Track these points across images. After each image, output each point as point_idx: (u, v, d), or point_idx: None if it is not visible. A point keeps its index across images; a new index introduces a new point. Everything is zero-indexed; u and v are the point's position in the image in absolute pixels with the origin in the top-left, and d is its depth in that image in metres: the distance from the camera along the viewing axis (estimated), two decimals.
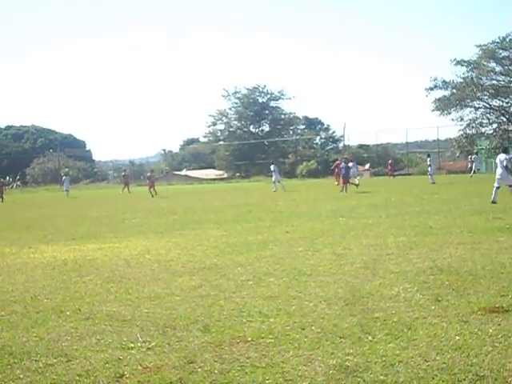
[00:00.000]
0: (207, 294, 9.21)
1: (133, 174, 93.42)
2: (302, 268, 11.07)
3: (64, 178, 57.35)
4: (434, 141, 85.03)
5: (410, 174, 69.90)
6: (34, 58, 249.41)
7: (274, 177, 39.70)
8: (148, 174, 53.85)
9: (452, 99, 73.82)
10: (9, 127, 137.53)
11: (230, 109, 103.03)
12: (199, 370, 5.85)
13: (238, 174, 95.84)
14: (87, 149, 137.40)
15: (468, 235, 14.41)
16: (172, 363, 6.07)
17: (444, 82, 74.63)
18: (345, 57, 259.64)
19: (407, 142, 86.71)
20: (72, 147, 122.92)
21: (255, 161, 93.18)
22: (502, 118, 75.80)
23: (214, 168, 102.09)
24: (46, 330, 7.56)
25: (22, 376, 5.91)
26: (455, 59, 74.07)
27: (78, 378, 5.78)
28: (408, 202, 26.41)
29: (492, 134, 75.58)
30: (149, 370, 5.89)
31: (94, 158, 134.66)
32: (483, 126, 75.96)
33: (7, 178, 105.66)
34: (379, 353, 6.08)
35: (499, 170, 24.31)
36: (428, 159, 46.67)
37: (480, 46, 72.96)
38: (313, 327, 7.14)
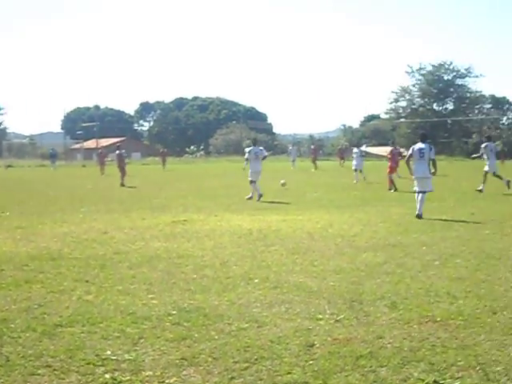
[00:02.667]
0: (393, 272, 9.17)
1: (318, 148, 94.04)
2: (491, 251, 10.76)
3: (291, 148, 58.21)
4: None
5: None
6: (220, 31, 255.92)
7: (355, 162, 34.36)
8: (312, 147, 54.50)
9: None
10: (195, 98, 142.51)
11: (414, 86, 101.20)
12: (388, 345, 5.86)
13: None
14: (268, 122, 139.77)
15: None
16: (361, 337, 6.12)
17: None
18: None
19: None
20: (254, 120, 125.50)
21: (437, 139, 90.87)
22: None
23: (392, 145, 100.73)
24: (237, 296, 7.83)
25: (216, 337, 6.17)
26: None
27: (270, 343, 5.96)
28: None
29: None
30: (338, 342, 5.96)
31: (274, 130, 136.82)
32: None
33: (191, 147, 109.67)
34: None
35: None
36: None
37: None
38: (504, 312, 6.95)
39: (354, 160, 32.76)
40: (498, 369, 5.24)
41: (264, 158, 23.97)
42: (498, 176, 24.53)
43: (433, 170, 16.71)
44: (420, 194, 16.48)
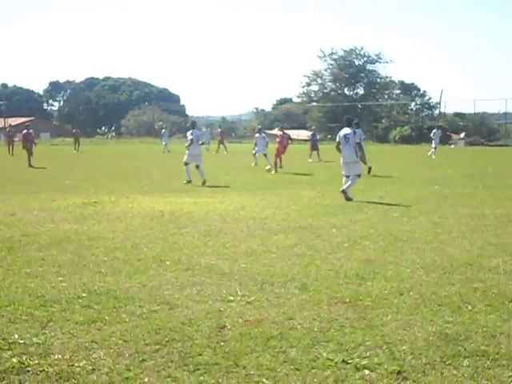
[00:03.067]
0: (303, 254, 9.30)
1: (225, 130, 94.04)
2: (398, 234, 11.02)
3: (163, 130, 57.12)
4: None
5: (506, 145, 67.89)
6: (134, 10, 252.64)
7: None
8: (219, 130, 54.56)
9: None
10: (107, 78, 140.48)
11: (326, 70, 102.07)
12: (299, 326, 5.95)
13: (329, 136, 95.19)
14: (181, 103, 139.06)
15: None
16: (272, 318, 6.18)
17: None
18: (446, 20, 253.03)
19: (506, 113, 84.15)
20: (167, 101, 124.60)
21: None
22: None
23: (305, 129, 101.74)
24: (148, 278, 7.79)
25: (127, 320, 6.14)
26: None
27: (181, 325, 5.96)
28: (506, 174, 25.81)
29: None
30: (249, 323, 6.02)
31: (187, 112, 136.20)
32: None
33: (102, 128, 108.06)
34: (480, 323, 6.04)
35: None
36: None
37: None
38: (411, 293, 7.14)
39: (257, 145, 32.27)
40: (404, 348, 5.39)
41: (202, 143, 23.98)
42: None
43: (359, 153, 16.94)
44: (345, 178, 16.81)
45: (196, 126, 23.90)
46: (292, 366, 5.00)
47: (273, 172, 26.61)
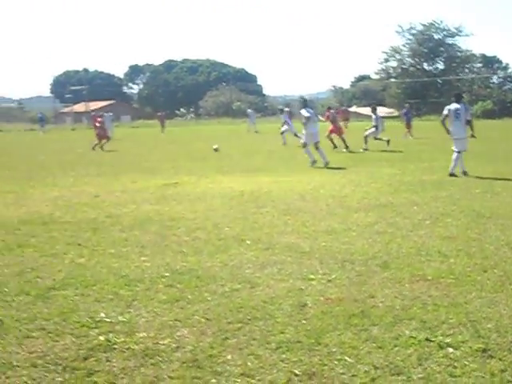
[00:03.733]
0: (384, 231, 9.22)
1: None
2: (481, 210, 10.81)
3: (249, 111, 56.43)
4: None
5: None
6: None
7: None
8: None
9: None
10: (185, 60, 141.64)
11: (404, 45, 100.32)
12: (380, 304, 5.91)
13: (415, 113, 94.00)
14: (258, 83, 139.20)
15: None
16: (353, 296, 6.16)
17: None
18: None
19: None
20: (244, 81, 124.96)
21: (427, 99, 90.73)
22: None
23: (384, 106, 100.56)
24: (229, 257, 7.86)
25: (209, 298, 6.20)
26: None
27: (262, 303, 5.99)
28: None
29: None
30: (331, 302, 6.01)
31: (264, 92, 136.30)
32: None
33: (181, 109, 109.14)
34: None
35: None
36: None
37: None
38: (495, 270, 7.00)
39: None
40: (489, 326, 5.29)
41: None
42: None
43: (471, 132, 16.86)
44: (456, 154, 16.53)
45: (308, 104, 22.48)
46: (374, 344, 4.97)
47: (344, 150, 26.65)
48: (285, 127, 32.14)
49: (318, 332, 5.23)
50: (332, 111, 30.89)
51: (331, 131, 28.53)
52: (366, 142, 27.32)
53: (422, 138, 35.25)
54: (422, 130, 41.12)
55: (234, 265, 7.49)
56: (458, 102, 16.85)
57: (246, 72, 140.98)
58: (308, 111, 20.53)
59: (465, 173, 16.18)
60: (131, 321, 5.61)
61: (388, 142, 27.35)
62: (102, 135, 31.87)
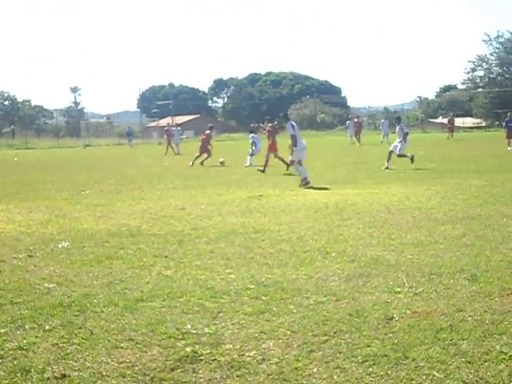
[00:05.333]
0: (472, 244, 9.03)
1: (389, 120, 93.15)
2: None
3: (383, 121, 54.91)
4: None
5: None
6: (293, 6, 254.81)
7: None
8: (355, 120, 52.07)
9: None
10: (268, 74, 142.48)
11: (491, 54, 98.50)
12: (469, 318, 5.79)
13: (497, 123, 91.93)
14: (342, 95, 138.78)
15: None
16: (441, 310, 6.06)
17: None
18: None
19: None
20: (328, 93, 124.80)
21: None
22: None
23: (471, 116, 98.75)
24: (314, 269, 7.84)
25: (295, 311, 6.20)
26: None
27: (348, 316, 5.95)
28: None
29: None
30: (418, 315, 5.92)
31: (348, 104, 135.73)
32: None
33: (265, 123, 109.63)
34: None
35: None
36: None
37: None
38: None
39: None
40: None
41: None
42: None
43: None
44: None
45: (290, 118, 21.58)
46: (463, 359, 4.87)
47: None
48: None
49: (404, 346, 5.16)
50: (269, 125, 27.53)
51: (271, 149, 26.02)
52: (388, 159, 24.47)
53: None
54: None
55: (319, 277, 7.47)
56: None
57: (330, 84, 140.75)
58: (293, 126, 19.56)
59: None
60: (217, 332, 5.65)
61: (412, 158, 24.23)
62: (204, 150, 31.13)
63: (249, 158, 29.11)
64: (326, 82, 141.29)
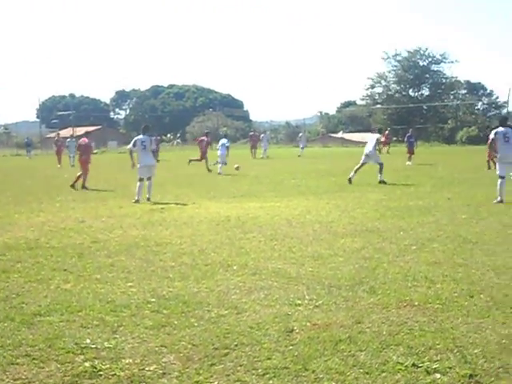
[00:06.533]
0: (371, 257, 9.23)
1: (289, 134, 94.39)
2: (467, 236, 10.85)
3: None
4: None
5: None
6: (197, 18, 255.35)
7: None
8: (250, 133, 52.32)
9: None
10: (171, 86, 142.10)
11: (390, 72, 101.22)
12: (367, 330, 5.90)
13: (395, 139, 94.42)
14: (245, 109, 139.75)
15: None
16: (340, 322, 6.15)
17: None
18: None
19: None
20: (230, 107, 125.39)
21: (413, 125, 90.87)
22: None
23: (370, 131, 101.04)
24: (216, 283, 7.84)
25: (196, 324, 6.18)
26: None
27: (249, 329, 5.97)
28: None
29: None
30: (317, 327, 6.00)
31: (250, 118, 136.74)
32: None
33: (168, 135, 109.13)
34: None
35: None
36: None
37: None
38: (481, 295, 7.02)
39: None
40: (476, 351, 5.29)
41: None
42: None
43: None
44: (502, 179, 16.10)
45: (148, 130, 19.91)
46: (361, 370, 4.96)
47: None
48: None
49: (304, 358, 5.21)
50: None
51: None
52: (380, 171, 23.17)
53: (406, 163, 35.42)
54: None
55: (220, 290, 7.47)
56: (504, 125, 16.77)
57: (233, 97, 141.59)
58: (141, 141, 18.59)
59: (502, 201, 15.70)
60: (117, 347, 5.57)
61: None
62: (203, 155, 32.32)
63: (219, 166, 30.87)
64: (229, 95, 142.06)
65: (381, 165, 22.85)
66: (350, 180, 22.50)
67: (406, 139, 39.17)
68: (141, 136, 18.79)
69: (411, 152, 36.99)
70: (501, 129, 16.59)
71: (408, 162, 35.63)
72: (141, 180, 18.26)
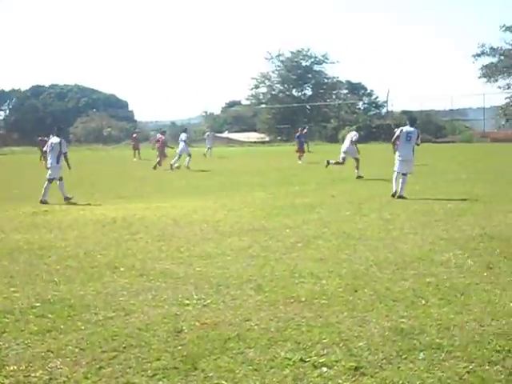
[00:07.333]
0: (258, 255, 9.32)
1: (174, 135, 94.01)
2: (351, 232, 11.11)
3: (208, 134, 53.65)
4: (479, 108, 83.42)
5: (453, 142, 68.60)
6: (78, 15, 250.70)
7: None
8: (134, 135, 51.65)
9: (499, 66, 73.03)
10: (53, 86, 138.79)
11: (273, 72, 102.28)
12: (256, 327, 5.97)
13: (279, 138, 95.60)
14: (130, 109, 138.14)
15: None
16: (228, 320, 6.19)
17: (492, 48, 73.85)
18: (389, 22, 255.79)
19: (451, 109, 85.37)
20: (114, 107, 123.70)
21: (297, 124, 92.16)
22: None
23: (255, 131, 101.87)
24: (103, 285, 7.74)
25: (83, 327, 6.08)
26: (504, 25, 73.11)
27: (137, 331, 5.93)
28: (453, 170, 26.19)
29: None
30: (206, 326, 6.01)
31: (135, 118, 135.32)
32: None
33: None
34: (433, 316, 6.14)
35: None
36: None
37: None
38: (365, 290, 7.21)
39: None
40: (360, 344, 5.44)
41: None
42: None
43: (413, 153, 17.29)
44: (400, 175, 16.86)
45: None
46: (250, 367, 5.01)
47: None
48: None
49: (194, 357, 5.22)
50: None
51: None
52: (357, 167, 24.68)
53: (292, 162, 35.90)
54: (293, 155, 41.87)
55: (107, 292, 7.38)
56: (412, 125, 17.37)
57: (117, 98, 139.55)
58: (51, 144, 19.20)
59: (400, 196, 16.39)
60: (1, 353, 5.41)
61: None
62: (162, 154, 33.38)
63: (186, 159, 32.14)
64: (113, 95, 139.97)
65: (357, 160, 24.11)
66: (328, 162, 25.16)
67: (297, 138, 39.14)
68: (55, 138, 19.08)
69: (301, 151, 37.22)
70: (407, 128, 17.28)
71: (299, 161, 35.95)
72: (50, 181, 18.07)
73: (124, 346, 5.54)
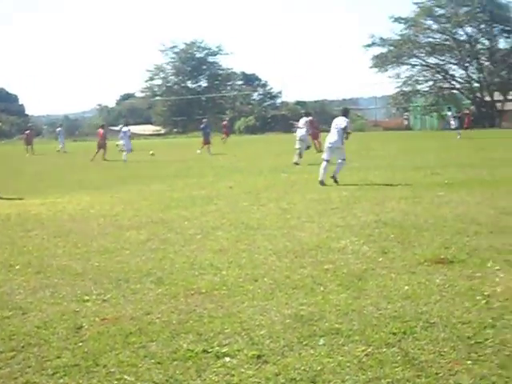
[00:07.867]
0: (157, 248, 9.27)
1: (68, 128, 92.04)
2: (249, 222, 11.19)
3: (59, 129, 52.08)
4: (371, 98, 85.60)
5: None
6: None
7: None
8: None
9: (389, 56, 75.11)
10: None
11: (168, 64, 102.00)
12: (157, 320, 5.94)
13: (175, 130, 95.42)
14: (20, 103, 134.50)
15: (409, 190, 14.76)
16: (129, 314, 6.15)
17: (382, 39, 75.84)
18: (282, 12, 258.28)
19: (344, 99, 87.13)
20: (4, 101, 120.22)
21: (193, 116, 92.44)
22: (437, 75, 77.25)
23: (151, 124, 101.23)
24: None
25: None
26: (393, 16, 75.26)
27: (36, 329, 5.81)
28: (347, 158, 26.66)
29: (428, 91, 76.92)
30: (107, 322, 5.95)
31: (26, 112, 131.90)
32: (419, 84, 77.31)
33: None
34: (332, 302, 6.26)
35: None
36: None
37: (417, 3, 74.12)
38: (265, 279, 7.29)
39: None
40: (262, 332, 5.50)
41: None
42: None
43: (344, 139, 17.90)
44: (325, 163, 17.53)
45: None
46: (153, 360, 5.00)
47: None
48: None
49: (95, 353, 5.16)
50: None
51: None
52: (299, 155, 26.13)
53: (188, 154, 35.86)
54: (189, 147, 41.84)
55: (3, 291, 7.19)
56: (344, 115, 18.19)
57: (7, 92, 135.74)
58: None
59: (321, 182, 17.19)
60: None
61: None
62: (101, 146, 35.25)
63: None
64: (2, 89, 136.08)
65: (306, 149, 26.33)
66: (296, 163, 24.59)
67: (202, 130, 38.71)
68: None
69: (207, 142, 37.03)
70: (337, 117, 18.25)
71: (203, 152, 35.81)
72: None
73: (22, 345, 5.42)
